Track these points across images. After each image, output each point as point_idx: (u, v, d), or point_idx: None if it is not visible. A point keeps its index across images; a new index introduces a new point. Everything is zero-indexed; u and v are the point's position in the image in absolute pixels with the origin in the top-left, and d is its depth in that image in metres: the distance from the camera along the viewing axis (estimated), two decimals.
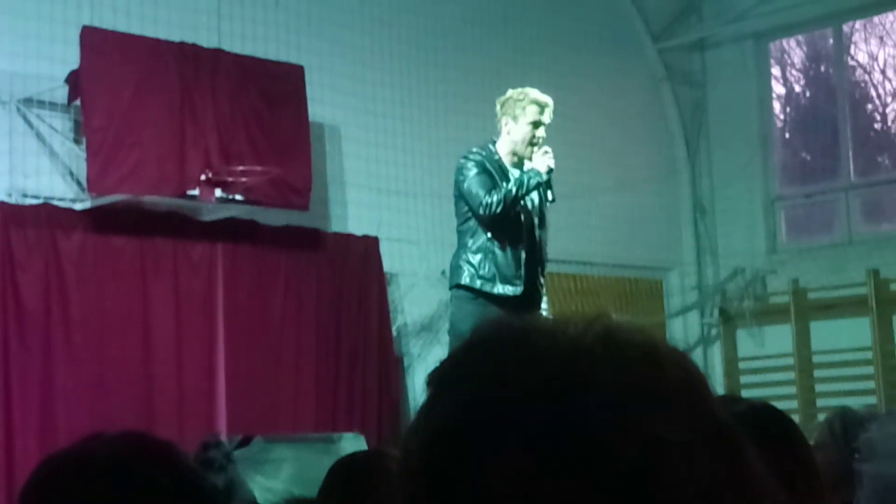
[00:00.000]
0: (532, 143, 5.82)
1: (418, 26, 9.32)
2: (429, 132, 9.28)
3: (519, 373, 0.77)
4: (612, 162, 10.46)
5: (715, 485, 0.74)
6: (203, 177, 7.53)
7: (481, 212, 5.70)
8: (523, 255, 5.80)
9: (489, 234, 5.76)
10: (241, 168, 7.65)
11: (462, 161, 5.87)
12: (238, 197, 7.74)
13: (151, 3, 7.77)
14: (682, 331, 11.08)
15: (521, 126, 5.80)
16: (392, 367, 8.59)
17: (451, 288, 5.95)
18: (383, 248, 8.69)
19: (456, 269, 5.87)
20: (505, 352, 0.79)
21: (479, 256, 5.77)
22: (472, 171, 5.77)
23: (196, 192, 7.56)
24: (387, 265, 8.72)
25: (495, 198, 5.66)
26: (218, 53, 7.82)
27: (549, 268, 9.66)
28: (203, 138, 7.56)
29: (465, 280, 5.79)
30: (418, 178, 9.15)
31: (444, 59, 9.42)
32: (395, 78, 9.13)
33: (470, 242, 5.82)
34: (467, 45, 9.59)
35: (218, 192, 7.66)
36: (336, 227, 8.64)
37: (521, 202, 5.77)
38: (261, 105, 7.93)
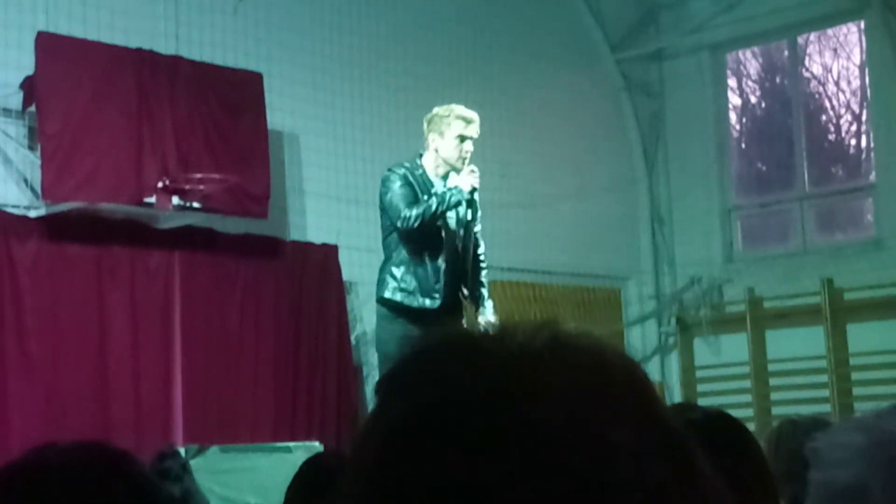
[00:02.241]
0: (462, 157, 5.92)
1: (378, 35, 9.32)
2: (388, 141, 9.27)
3: (467, 378, 0.76)
4: (571, 171, 10.51)
5: (663, 488, 0.74)
6: (160, 184, 7.48)
7: (399, 224, 5.81)
8: (442, 267, 5.86)
9: (410, 246, 5.84)
10: (198, 176, 7.60)
11: (386, 174, 6.01)
12: (196, 205, 7.69)
13: (108, 9, 7.71)
14: (639, 339, 11.15)
15: (448, 140, 5.93)
16: (351, 376, 8.56)
17: (377, 301, 6.04)
18: (342, 257, 8.67)
19: (381, 281, 5.99)
20: (453, 357, 0.79)
21: (402, 269, 5.88)
22: (396, 185, 5.90)
23: (153, 199, 7.50)
24: (346, 274, 8.70)
25: (414, 212, 5.76)
26: (176, 60, 7.78)
27: (508, 276, 9.74)
28: (160, 145, 7.52)
29: (388, 293, 5.90)
30: (377, 186, 9.12)
31: (403, 68, 9.43)
32: (355, 86, 9.12)
33: (394, 255, 5.93)
34: (427, 55, 9.60)
35: (175, 200, 7.61)
36: (295, 235, 8.62)
37: (444, 217, 5.84)
38: (219, 112, 7.89)
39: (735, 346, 10.58)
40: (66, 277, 7.23)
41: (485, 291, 6.14)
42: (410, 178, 5.90)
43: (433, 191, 5.88)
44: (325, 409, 8.27)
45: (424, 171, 5.95)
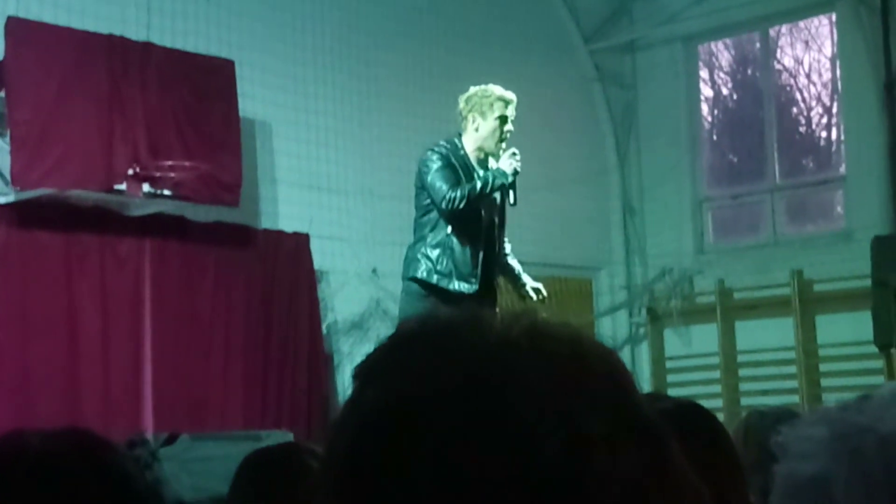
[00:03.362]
0: (501, 138, 5.86)
1: (350, 24, 9.29)
2: (360, 130, 9.26)
3: (444, 367, 0.77)
4: (543, 161, 10.51)
5: (638, 478, 0.75)
6: (131, 171, 7.43)
7: (443, 206, 5.70)
8: (481, 253, 5.83)
9: (450, 229, 5.77)
10: (169, 163, 7.57)
11: (427, 153, 5.87)
12: (166, 192, 7.66)
13: None
14: (610, 330, 11.18)
15: (490, 122, 5.84)
16: (322, 365, 8.56)
17: (404, 279, 5.92)
18: (314, 246, 8.65)
19: (412, 261, 5.84)
20: (431, 346, 0.79)
21: (437, 251, 5.77)
22: (437, 164, 5.77)
23: (123, 186, 7.46)
24: (317, 262, 8.69)
25: (458, 193, 5.68)
26: (147, 47, 7.73)
27: None
28: (131, 132, 7.47)
29: (422, 274, 5.78)
30: (350, 175, 9.14)
31: (375, 58, 9.41)
32: (328, 75, 9.09)
33: (430, 236, 5.80)
34: (399, 44, 9.59)
35: (146, 188, 7.57)
36: (266, 223, 8.59)
37: (485, 199, 5.81)
38: (191, 100, 7.85)
39: (705, 337, 10.64)
40: (35, 264, 7.18)
41: (516, 263, 6.13)
42: (452, 160, 5.80)
43: (476, 173, 5.81)
44: (295, 397, 8.26)
45: (466, 154, 5.86)
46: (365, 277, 9.03)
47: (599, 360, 0.79)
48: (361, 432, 0.77)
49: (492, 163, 5.87)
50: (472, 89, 5.93)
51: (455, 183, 5.73)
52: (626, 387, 0.80)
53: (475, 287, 5.78)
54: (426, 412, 0.75)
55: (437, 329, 0.81)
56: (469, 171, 5.82)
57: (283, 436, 7.00)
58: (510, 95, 5.89)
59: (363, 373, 0.81)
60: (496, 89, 5.89)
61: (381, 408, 0.77)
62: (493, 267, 5.93)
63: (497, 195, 5.88)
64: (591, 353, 0.79)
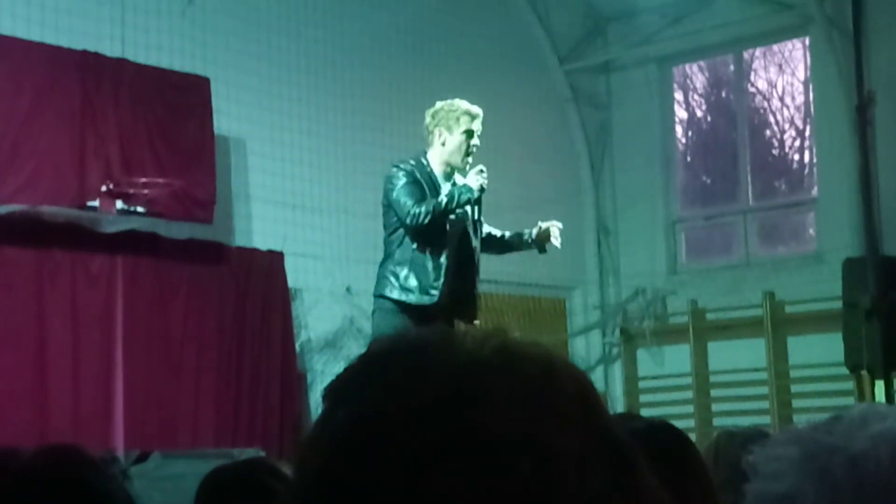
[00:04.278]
0: (468, 152, 5.86)
1: (326, 42, 9.30)
2: (335, 148, 9.26)
3: (415, 385, 0.76)
4: (518, 181, 10.54)
5: (607, 498, 0.74)
6: (104, 188, 7.40)
7: (408, 221, 5.70)
8: (445, 263, 5.82)
9: (416, 246, 5.77)
10: (143, 180, 7.54)
11: (393, 171, 5.86)
12: (140, 209, 7.62)
13: (53, 9, 7.62)
14: (584, 349, 11.20)
15: (456, 136, 5.84)
16: (294, 383, 8.52)
17: (375, 297, 5.93)
18: (288, 264, 8.63)
19: (381, 278, 5.86)
20: (401, 364, 0.79)
21: (404, 269, 5.77)
22: (402, 181, 5.77)
23: (96, 203, 7.42)
24: (291, 280, 8.67)
25: (423, 208, 5.68)
26: (121, 63, 7.71)
27: None
28: (104, 149, 7.44)
29: (389, 291, 5.79)
30: (324, 193, 9.13)
31: (351, 76, 9.42)
32: (303, 93, 9.09)
33: (397, 253, 5.81)
34: (375, 63, 9.60)
35: (119, 204, 7.54)
36: (240, 241, 8.56)
37: (453, 214, 5.82)
38: (165, 116, 7.82)
39: (678, 357, 10.67)
40: (5, 281, 7.12)
41: (507, 231, 6.18)
42: (417, 175, 5.79)
43: (442, 189, 5.81)
44: (268, 415, 8.22)
45: (432, 170, 5.86)
46: (339, 295, 9.01)
47: (570, 379, 0.79)
48: (332, 452, 0.76)
49: (458, 178, 5.88)
50: (439, 104, 5.94)
51: (420, 199, 5.73)
52: (595, 407, 0.80)
53: (434, 299, 5.76)
54: (397, 432, 0.74)
55: (407, 348, 0.81)
56: (435, 187, 5.83)
57: (254, 454, 6.95)
58: (476, 110, 5.90)
59: (333, 392, 0.81)
60: (462, 104, 5.90)
61: (352, 427, 0.76)
62: (470, 281, 5.92)
63: (468, 208, 5.90)
64: (561, 372, 0.79)
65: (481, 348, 0.79)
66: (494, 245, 6.19)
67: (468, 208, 5.88)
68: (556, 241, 6.11)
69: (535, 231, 6.12)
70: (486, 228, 6.14)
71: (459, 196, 5.74)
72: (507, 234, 6.20)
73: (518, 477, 0.72)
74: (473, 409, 0.75)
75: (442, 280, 5.79)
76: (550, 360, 0.80)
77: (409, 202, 5.69)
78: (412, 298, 5.75)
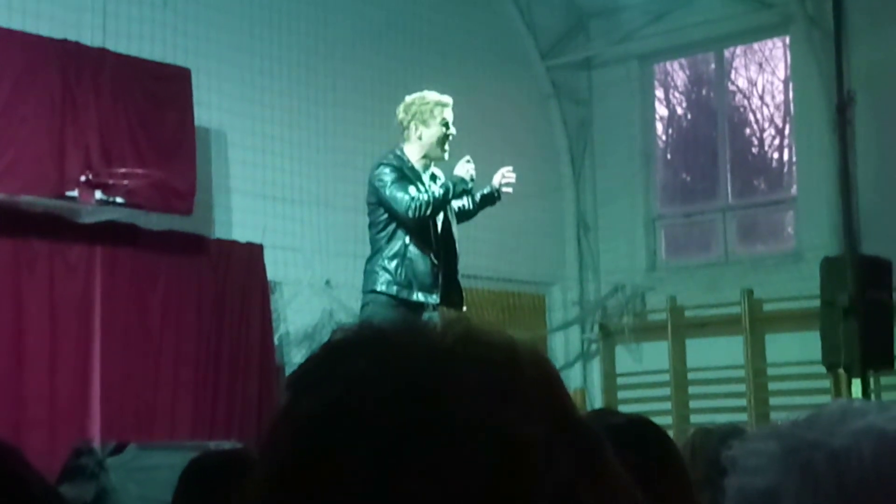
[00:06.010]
0: (445, 141, 5.87)
1: (308, 33, 9.28)
2: (316, 140, 9.24)
3: (378, 374, 0.76)
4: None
5: (572, 482, 0.75)
6: (83, 178, 7.36)
7: (410, 214, 5.69)
8: (436, 262, 5.84)
9: (407, 239, 5.76)
10: (122, 170, 7.50)
11: (378, 168, 5.85)
12: (119, 200, 7.59)
13: None
14: (563, 345, 11.22)
15: (433, 128, 5.85)
16: (273, 376, 8.50)
17: (365, 293, 5.92)
18: (267, 256, 8.61)
19: (371, 273, 5.85)
20: (364, 353, 0.78)
21: (395, 262, 5.78)
22: (391, 177, 5.76)
23: (75, 193, 7.38)
24: (270, 273, 8.64)
25: (424, 199, 5.68)
26: (102, 52, 7.66)
27: None
28: (84, 138, 7.40)
29: (381, 286, 5.78)
30: (304, 185, 9.11)
31: (332, 68, 9.40)
32: (284, 84, 9.06)
33: (386, 248, 5.80)
34: (356, 55, 9.58)
35: (98, 195, 7.50)
36: (220, 233, 8.53)
37: (447, 207, 5.85)
38: (145, 107, 7.79)
39: (656, 354, 10.70)
40: None
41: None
42: (404, 170, 5.80)
43: (429, 182, 5.82)
44: (245, 408, 8.20)
45: (413, 164, 5.85)
46: (318, 288, 8.99)
47: (532, 365, 0.79)
48: (296, 442, 0.76)
49: (435, 169, 5.90)
50: (409, 98, 5.94)
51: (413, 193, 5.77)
52: (559, 393, 0.80)
53: (437, 297, 5.81)
54: (360, 422, 0.74)
55: (370, 337, 0.80)
56: (419, 180, 5.84)
57: (231, 446, 6.94)
58: (447, 98, 5.92)
59: (297, 382, 0.80)
60: (433, 95, 5.92)
61: (315, 417, 0.76)
62: (454, 268, 5.95)
63: (460, 201, 5.95)
64: (524, 359, 0.79)
65: (444, 336, 0.79)
66: (464, 217, 6.18)
67: (455, 201, 5.92)
68: (509, 179, 6.09)
69: (494, 186, 6.11)
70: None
71: (455, 186, 5.78)
72: (470, 205, 6.17)
73: (483, 464, 0.73)
74: (437, 397, 0.75)
75: (439, 279, 5.83)
76: (514, 347, 0.80)
77: (406, 196, 5.70)
78: (413, 296, 5.77)
